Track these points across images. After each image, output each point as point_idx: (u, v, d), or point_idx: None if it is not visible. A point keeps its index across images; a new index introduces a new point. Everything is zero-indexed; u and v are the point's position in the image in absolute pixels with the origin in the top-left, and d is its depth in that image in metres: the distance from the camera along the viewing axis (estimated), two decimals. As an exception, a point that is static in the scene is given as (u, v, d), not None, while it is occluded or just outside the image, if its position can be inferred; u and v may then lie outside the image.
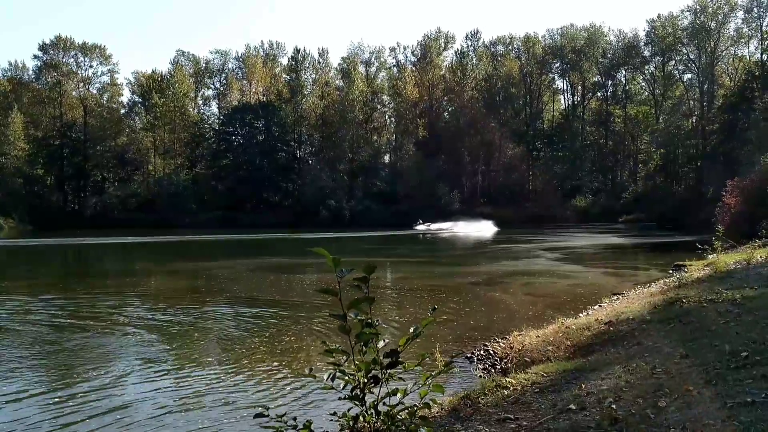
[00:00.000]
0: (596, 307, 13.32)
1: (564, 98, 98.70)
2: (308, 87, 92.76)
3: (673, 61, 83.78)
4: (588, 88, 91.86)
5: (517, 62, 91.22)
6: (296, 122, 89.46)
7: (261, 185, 79.83)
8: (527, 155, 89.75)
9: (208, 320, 13.57)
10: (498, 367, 9.11)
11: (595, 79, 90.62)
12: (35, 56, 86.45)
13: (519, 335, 10.25)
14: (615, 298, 14.53)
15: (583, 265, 26.06)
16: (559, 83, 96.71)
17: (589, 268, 24.72)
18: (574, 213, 75.90)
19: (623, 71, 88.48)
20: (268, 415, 3.67)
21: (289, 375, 8.99)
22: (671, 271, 18.98)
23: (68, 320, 13.54)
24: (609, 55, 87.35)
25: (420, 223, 65.52)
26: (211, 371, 9.33)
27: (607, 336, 9.13)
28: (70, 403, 7.69)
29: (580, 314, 12.37)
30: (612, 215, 71.39)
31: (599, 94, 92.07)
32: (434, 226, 64.77)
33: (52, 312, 14.63)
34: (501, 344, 10.25)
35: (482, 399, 6.09)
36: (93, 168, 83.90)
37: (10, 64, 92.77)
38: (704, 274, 13.75)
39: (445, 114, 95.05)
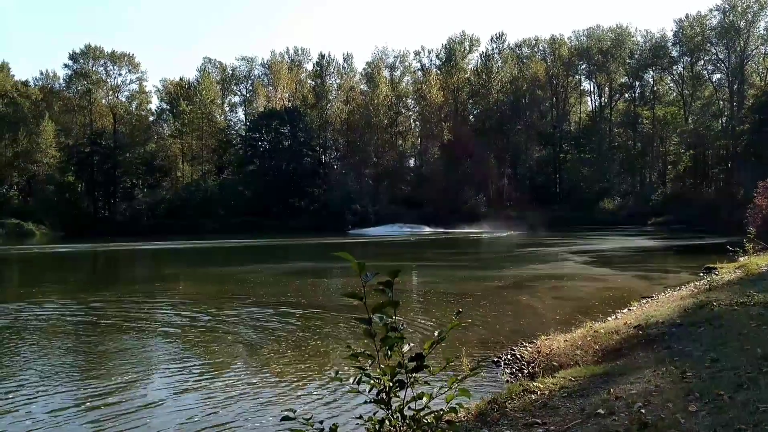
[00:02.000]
0: (625, 310, 13.17)
1: (591, 100, 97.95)
2: (333, 92, 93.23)
3: (702, 61, 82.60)
4: (615, 90, 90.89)
5: (543, 64, 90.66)
6: (321, 127, 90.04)
7: (287, 190, 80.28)
8: (554, 158, 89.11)
9: (236, 324, 13.68)
10: (525, 371, 9.05)
11: (623, 80, 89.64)
12: (65, 65, 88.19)
13: (547, 339, 10.17)
14: (644, 301, 14.34)
15: (612, 268, 25.76)
16: (586, 85, 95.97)
17: (617, 272, 24.44)
18: (603, 215, 75.07)
19: (651, 72, 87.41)
20: (295, 418, 3.69)
21: (315, 378, 9.04)
22: (702, 274, 18.69)
23: (98, 324, 13.76)
24: (636, 56, 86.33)
25: (351, 228, 68.61)
26: (240, 374, 9.42)
27: (636, 340, 9.02)
28: (101, 405, 7.81)
29: (609, 318, 12.24)
30: (641, 217, 70.46)
31: (627, 96, 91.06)
32: (362, 230, 67.00)
33: (83, 316, 14.87)
34: (528, 348, 10.18)
35: (509, 403, 6.06)
36: (122, 175, 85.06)
37: (42, 73, 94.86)
38: (735, 277, 13.52)
39: (471, 117, 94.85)
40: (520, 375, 8.86)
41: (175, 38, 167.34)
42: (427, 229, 67.70)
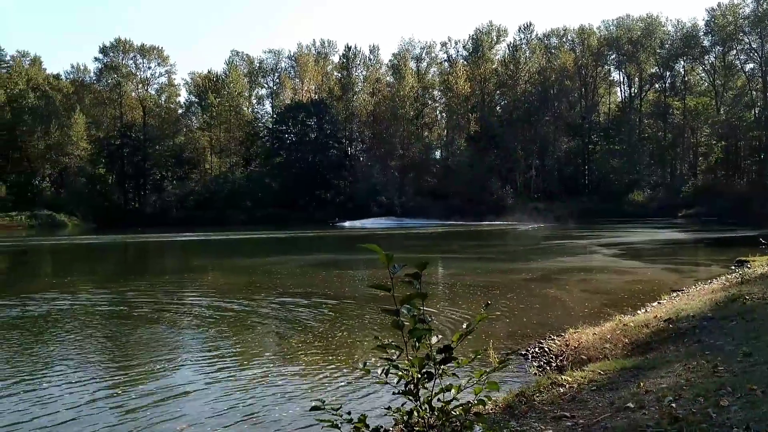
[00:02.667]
0: (655, 304, 13.02)
1: (620, 90, 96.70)
2: (359, 84, 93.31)
3: (735, 51, 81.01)
4: (645, 80, 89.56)
5: (571, 54, 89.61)
6: (347, 119, 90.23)
7: (313, 182, 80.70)
8: (583, 149, 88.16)
9: (264, 315, 13.80)
10: (553, 364, 8.99)
11: (653, 70, 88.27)
12: (96, 58, 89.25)
13: (575, 332, 10.10)
14: (675, 294, 14.17)
15: (642, 261, 25.46)
16: (616, 75, 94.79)
17: (647, 264, 24.14)
18: (632, 207, 74.20)
19: (682, 62, 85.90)
20: (323, 409, 3.73)
21: (343, 369, 9.08)
22: (733, 267, 18.43)
23: (131, 313, 13.97)
24: (667, 46, 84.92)
25: (338, 221, 69.20)
26: (269, 364, 9.50)
27: (666, 333, 8.93)
28: (131, 393, 7.95)
29: (639, 311, 12.12)
30: (671, 210, 69.57)
31: (657, 86, 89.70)
32: (355, 223, 67.62)
33: (115, 305, 15.12)
34: (556, 342, 10.11)
35: (537, 396, 6.03)
36: (152, 167, 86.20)
37: (73, 66, 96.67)
38: (769, 270, 13.29)
39: (498, 108, 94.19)
40: (548, 368, 8.81)
41: (174, 39, 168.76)
42: (431, 222, 67.63)
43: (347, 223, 67.34)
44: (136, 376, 8.86)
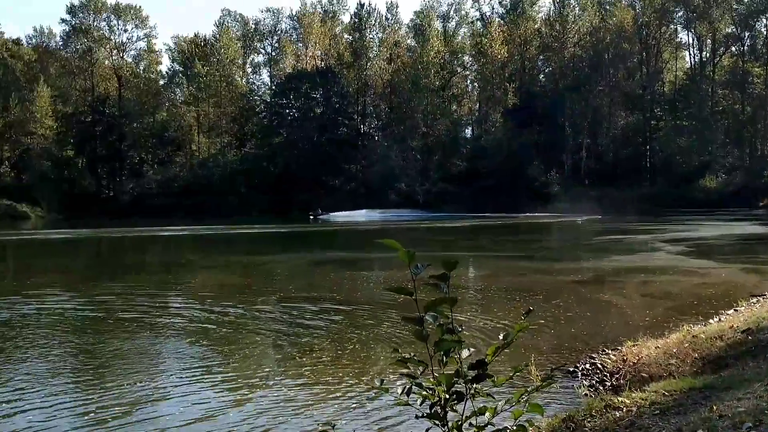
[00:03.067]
0: (731, 311, 12.95)
1: (689, 55, 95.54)
2: (374, 49, 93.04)
3: (830, 5, 79.91)
4: (719, 42, 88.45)
5: (630, 12, 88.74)
6: (360, 91, 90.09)
7: (319, 166, 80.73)
8: (644, 125, 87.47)
9: (262, 323, 13.87)
10: (608, 383, 9.00)
11: (729, 30, 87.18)
12: (63, 20, 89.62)
13: (634, 346, 10.07)
14: (755, 300, 14.09)
15: (714, 261, 25.30)
16: (683, 36, 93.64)
17: (721, 264, 23.99)
18: (703, 195, 73.59)
19: (764, 20, 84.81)
20: (333, 435, 3.74)
21: (357, 387, 9.12)
22: (827, 268, 18.25)
23: (107, 321, 14.10)
24: (746, 1, 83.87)
25: (321, 213, 69.77)
26: (269, 381, 9.54)
27: (744, 347, 8.87)
28: (108, 414, 8.01)
29: (711, 320, 12.06)
30: (751, 198, 68.99)
31: (734, 49, 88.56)
32: (333, 215, 68.45)
33: (89, 311, 15.27)
34: (611, 356, 10.10)
35: (588, 422, 6.03)
36: (129, 148, 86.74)
37: (36, 29, 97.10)
38: None
39: (541, 76, 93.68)
40: (601, 388, 8.81)
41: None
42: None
43: (326, 216, 67.65)
44: (113, 398, 8.91)
